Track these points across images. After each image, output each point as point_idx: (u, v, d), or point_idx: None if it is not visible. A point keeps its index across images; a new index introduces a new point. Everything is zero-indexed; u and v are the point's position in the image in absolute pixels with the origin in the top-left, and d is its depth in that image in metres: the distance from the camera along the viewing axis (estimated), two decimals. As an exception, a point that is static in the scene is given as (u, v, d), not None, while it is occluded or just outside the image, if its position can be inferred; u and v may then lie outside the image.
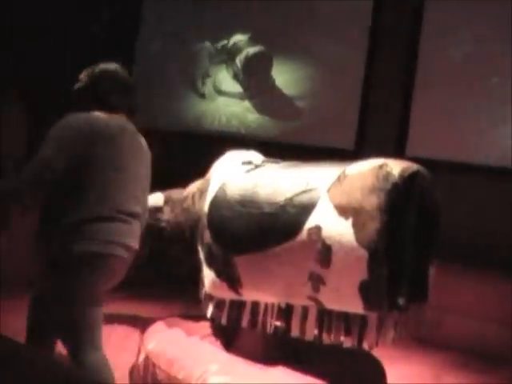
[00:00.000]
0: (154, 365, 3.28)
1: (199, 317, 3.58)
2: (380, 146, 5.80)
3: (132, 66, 7.71)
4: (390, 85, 6.13)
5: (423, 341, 4.48)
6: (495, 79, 5.67)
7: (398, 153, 5.49)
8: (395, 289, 2.84)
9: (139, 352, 3.50)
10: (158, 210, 3.76)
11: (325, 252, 2.87)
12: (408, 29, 6.09)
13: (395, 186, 2.83)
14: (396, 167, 2.89)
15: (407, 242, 2.87)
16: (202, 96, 7.15)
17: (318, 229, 2.90)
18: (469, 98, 5.79)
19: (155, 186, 3.87)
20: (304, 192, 3.01)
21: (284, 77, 6.76)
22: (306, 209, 2.96)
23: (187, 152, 6.87)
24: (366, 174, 2.91)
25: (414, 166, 2.95)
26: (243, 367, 3.13)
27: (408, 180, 2.87)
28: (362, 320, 2.92)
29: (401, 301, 2.87)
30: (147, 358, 3.36)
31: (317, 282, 2.91)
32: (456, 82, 5.86)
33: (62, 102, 3.18)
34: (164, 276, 5.15)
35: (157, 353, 3.36)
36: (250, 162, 3.44)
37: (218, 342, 3.41)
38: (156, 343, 3.47)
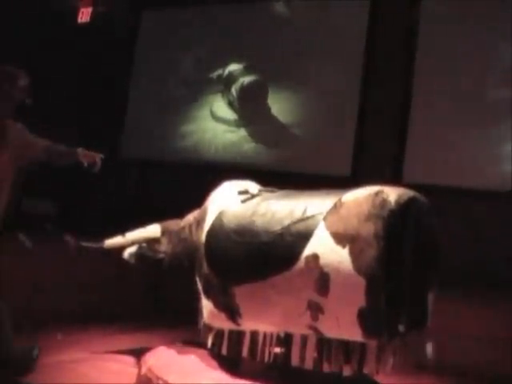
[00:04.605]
0: (157, 377, 3.26)
1: (199, 344, 3.56)
2: (377, 172, 5.81)
3: (127, 94, 7.77)
4: (385, 111, 6.16)
5: (429, 367, 4.46)
6: (491, 105, 5.71)
7: (395, 179, 5.50)
8: (394, 316, 2.82)
9: (140, 368, 3.49)
10: (155, 241, 3.75)
11: (323, 280, 2.86)
12: (402, 55, 6.15)
13: (392, 212, 2.82)
14: (392, 194, 2.89)
15: (405, 268, 2.86)
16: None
17: (315, 257, 2.89)
18: (465, 123, 5.82)
19: (152, 218, 3.87)
20: (301, 220, 3.01)
21: (280, 105, 6.79)
22: (303, 237, 2.95)
23: (183, 182, 6.88)
24: (362, 201, 2.90)
25: (410, 193, 2.95)
26: None
27: (404, 206, 2.86)
28: (362, 348, 2.90)
29: (400, 328, 2.85)
30: (150, 370, 3.35)
31: (315, 310, 2.89)
32: (452, 107, 5.89)
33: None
34: (163, 306, 5.14)
35: (159, 366, 3.36)
36: (246, 192, 3.44)
37: (215, 362, 3.39)
38: (157, 359, 3.49)
